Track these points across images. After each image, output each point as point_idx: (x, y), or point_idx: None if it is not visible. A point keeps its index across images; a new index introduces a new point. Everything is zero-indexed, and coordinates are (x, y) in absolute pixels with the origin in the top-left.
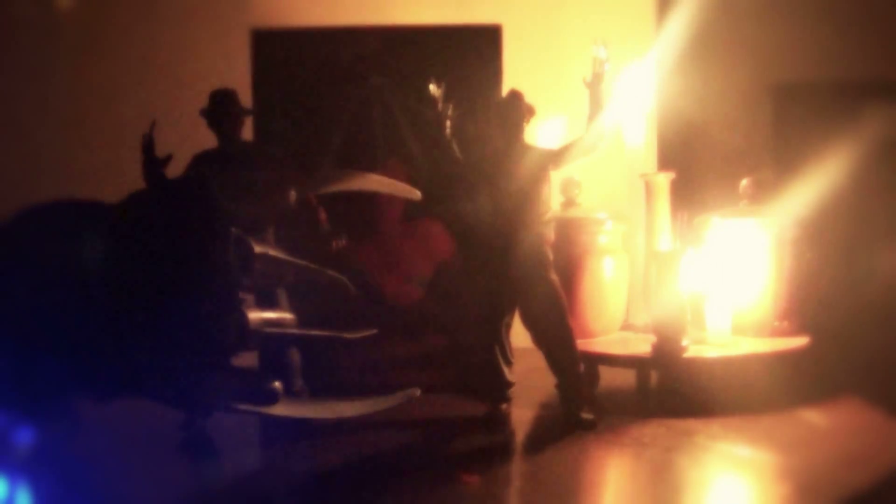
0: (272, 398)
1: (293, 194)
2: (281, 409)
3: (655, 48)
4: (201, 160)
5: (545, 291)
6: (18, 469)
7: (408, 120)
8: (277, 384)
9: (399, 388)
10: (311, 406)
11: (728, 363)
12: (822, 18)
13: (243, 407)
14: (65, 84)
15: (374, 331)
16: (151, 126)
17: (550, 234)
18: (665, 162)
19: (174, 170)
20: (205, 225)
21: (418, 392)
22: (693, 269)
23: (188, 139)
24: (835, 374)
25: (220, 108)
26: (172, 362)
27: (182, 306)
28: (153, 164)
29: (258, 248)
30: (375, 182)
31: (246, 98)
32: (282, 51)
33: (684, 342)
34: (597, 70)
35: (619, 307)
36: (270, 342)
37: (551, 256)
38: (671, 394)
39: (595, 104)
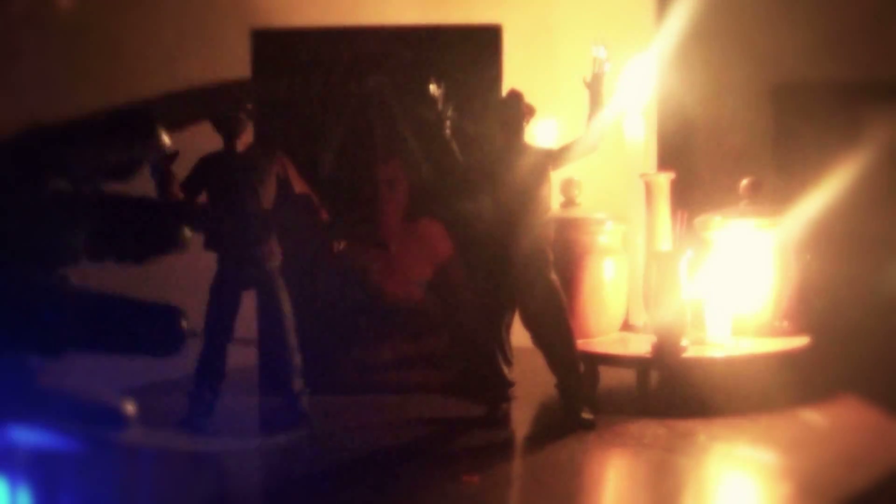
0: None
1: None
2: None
3: (655, 47)
4: (206, 164)
5: (545, 291)
6: None
7: (408, 120)
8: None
9: (399, 388)
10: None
11: (728, 363)
12: (822, 18)
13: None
14: (62, 83)
15: None
16: None
17: (550, 234)
18: (665, 162)
19: (179, 170)
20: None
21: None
22: (693, 269)
23: (189, 138)
24: (835, 374)
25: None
26: None
27: None
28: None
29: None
30: None
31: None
32: (282, 51)
33: (684, 342)
34: (597, 70)
35: (619, 307)
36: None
37: (551, 256)
38: (671, 394)
39: (595, 104)
